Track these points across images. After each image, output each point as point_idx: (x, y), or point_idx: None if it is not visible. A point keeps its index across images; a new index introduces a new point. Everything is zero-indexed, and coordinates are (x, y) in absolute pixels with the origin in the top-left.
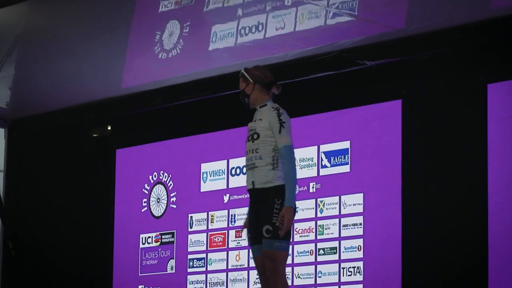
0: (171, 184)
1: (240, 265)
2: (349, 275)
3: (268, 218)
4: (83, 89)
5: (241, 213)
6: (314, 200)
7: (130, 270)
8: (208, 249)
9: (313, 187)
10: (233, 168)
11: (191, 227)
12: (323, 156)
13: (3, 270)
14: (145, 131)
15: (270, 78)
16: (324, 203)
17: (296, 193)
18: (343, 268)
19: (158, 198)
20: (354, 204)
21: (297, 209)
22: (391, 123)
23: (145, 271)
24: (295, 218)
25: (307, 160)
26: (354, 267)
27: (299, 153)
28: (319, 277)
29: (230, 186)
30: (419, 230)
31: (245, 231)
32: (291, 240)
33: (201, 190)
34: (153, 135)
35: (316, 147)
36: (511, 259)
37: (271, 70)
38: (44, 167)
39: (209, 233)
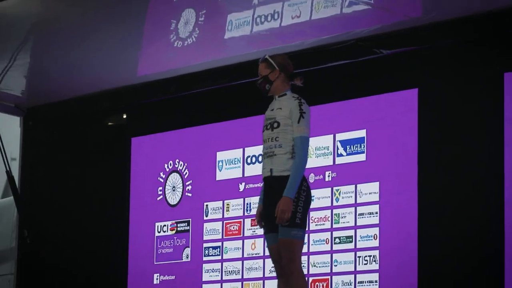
0: (186, 173)
1: (255, 254)
2: (365, 264)
3: None
4: (99, 77)
5: (257, 202)
6: (330, 188)
7: (145, 258)
8: (224, 237)
9: (329, 176)
10: (248, 156)
11: (206, 216)
12: (339, 144)
13: (19, 258)
14: (160, 119)
15: (292, 69)
16: (340, 191)
17: (312, 182)
18: (359, 257)
19: (174, 187)
20: (370, 193)
21: (312, 198)
22: (407, 112)
23: (161, 259)
24: (311, 206)
25: (323, 149)
26: (370, 256)
27: (315, 141)
28: (335, 265)
29: (245, 175)
30: (435, 218)
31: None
32: (306, 229)
33: (217, 179)
34: (168, 123)
35: (332, 135)
36: None
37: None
38: (60, 155)
39: (224, 221)
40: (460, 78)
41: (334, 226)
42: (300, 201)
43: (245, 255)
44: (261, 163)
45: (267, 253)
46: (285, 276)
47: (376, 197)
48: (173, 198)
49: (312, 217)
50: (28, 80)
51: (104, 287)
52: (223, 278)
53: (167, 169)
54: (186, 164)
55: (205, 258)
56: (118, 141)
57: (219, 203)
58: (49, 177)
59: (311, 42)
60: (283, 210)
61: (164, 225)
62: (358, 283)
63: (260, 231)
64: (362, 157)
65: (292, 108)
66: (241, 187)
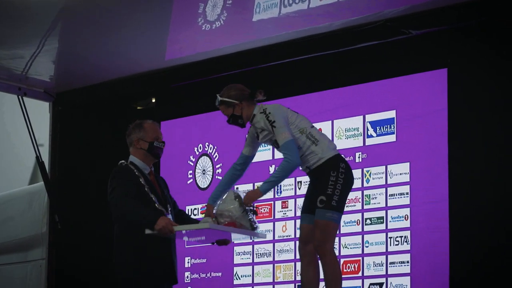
0: (216, 156)
1: (287, 236)
2: (396, 245)
3: (323, 189)
4: (127, 62)
5: (287, 184)
6: (360, 170)
7: (175, 241)
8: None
9: (359, 157)
10: None
11: None
12: (368, 125)
13: (50, 243)
14: (189, 103)
15: (247, 90)
16: (370, 172)
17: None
18: (390, 238)
19: (204, 170)
20: (400, 174)
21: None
22: (436, 92)
23: (191, 243)
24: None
25: (352, 130)
26: (401, 237)
27: (344, 123)
28: (366, 246)
29: (275, 157)
30: (466, 198)
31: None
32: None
33: None
34: (197, 107)
35: (361, 117)
36: None
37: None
38: (89, 140)
39: (255, 204)
40: (490, 57)
41: (365, 207)
42: (338, 184)
43: (276, 237)
44: None
45: (298, 235)
46: (320, 258)
47: (406, 178)
48: (203, 181)
49: None
50: (57, 65)
51: None
52: (254, 261)
53: (197, 153)
54: (215, 147)
55: (236, 241)
56: None
57: (249, 186)
58: (78, 162)
59: (340, 23)
60: (249, 197)
61: (195, 208)
62: (390, 263)
63: (291, 213)
64: (392, 138)
65: (263, 124)
66: (271, 169)
